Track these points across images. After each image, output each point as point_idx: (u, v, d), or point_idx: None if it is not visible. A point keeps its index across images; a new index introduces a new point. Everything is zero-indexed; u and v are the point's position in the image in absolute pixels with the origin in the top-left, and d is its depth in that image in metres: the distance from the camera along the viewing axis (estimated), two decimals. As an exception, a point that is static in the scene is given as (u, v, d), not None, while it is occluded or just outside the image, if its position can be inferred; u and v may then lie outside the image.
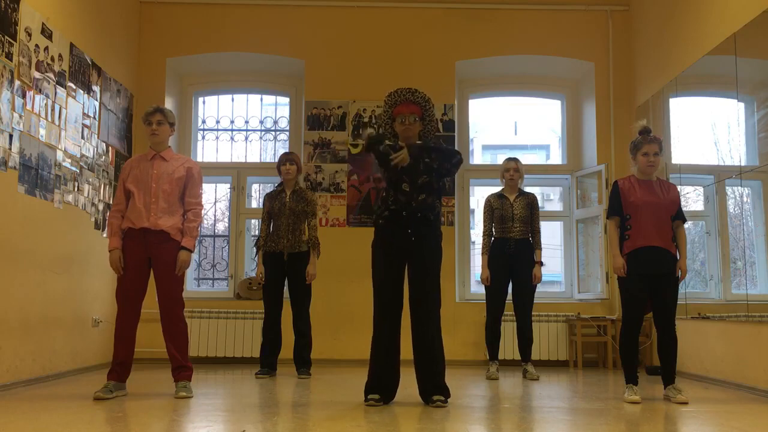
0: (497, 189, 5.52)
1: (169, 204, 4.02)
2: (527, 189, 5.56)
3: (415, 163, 3.77)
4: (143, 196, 4.01)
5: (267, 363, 5.18)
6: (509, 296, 5.35)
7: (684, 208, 4.21)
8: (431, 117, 3.91)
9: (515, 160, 5.44)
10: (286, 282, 5.29)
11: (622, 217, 4.11)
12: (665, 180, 4.33)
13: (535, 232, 5.34)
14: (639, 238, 4.02)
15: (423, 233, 3.76)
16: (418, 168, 3.78)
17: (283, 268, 5.22)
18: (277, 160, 5.51)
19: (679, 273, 4.05)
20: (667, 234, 4.04)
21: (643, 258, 4.00)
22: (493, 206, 5.38)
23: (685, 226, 4.17)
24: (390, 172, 3.81)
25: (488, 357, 5.37)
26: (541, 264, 5.31)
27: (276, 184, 5.48)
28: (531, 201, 5.37)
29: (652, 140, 4.08)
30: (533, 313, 5.42)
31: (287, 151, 6.00)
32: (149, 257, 3.99)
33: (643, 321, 4.09)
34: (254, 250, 5.77)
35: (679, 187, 4.30)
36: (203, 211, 4.23)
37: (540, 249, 5.32)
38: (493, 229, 5.38)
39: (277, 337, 5.24)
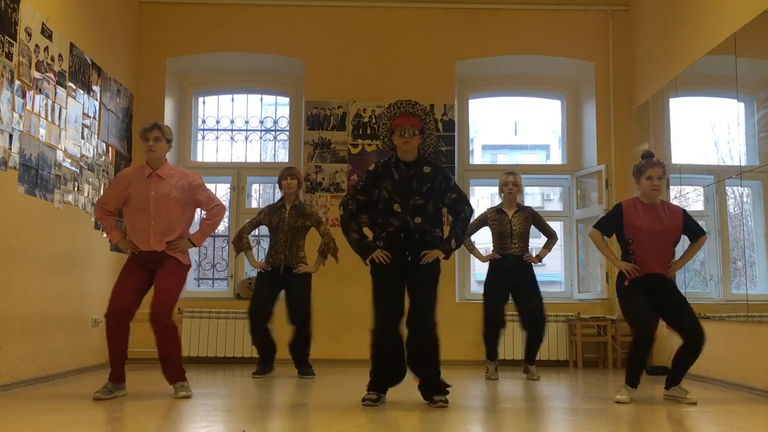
0: (497, 189, 5.50)
1: (168, 224, 4.00)
2: (527, 192, 5.55)
3: (408, 182, 3.71)
4: (142, 219, 3.99)
5: (263, 362, 5.19)
6: (512, 304, 5.34)
7: (684, 209, 4.21)
8: (431, 130, 3.84)
9: (513, 173, 5.42)
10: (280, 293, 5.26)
11: (608, 237, 4.15)
12: (670, 203, 4.30)
13: (550, 236, 5.36)
14: (639, 266, 4.02)
15: (421, 254, 3.69)
16: (411, 188, 3.71)
17: (279, 284, 5.20)
18: (276, 160, 5.50)
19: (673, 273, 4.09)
20: (667, 260, 4.07)
21: (643, 285, 4.01)
22: (489, 221, 5.36)
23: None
24: (381, 191, 3.75)
25: (487, 357, 5.34)
26: (540, 260, 5.31)
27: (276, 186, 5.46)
28: (531, 215, 5.36)
29: (655, 164, 4.07)
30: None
31: (289, 165, 5.99)
32: (150, 270, 3.99)
33: (655, 340, 4.05)
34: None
35: (679, 187, 4.30)
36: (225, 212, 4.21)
37: (548, 249, 5.33)
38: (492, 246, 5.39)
39: (267, 340, 5.20)
